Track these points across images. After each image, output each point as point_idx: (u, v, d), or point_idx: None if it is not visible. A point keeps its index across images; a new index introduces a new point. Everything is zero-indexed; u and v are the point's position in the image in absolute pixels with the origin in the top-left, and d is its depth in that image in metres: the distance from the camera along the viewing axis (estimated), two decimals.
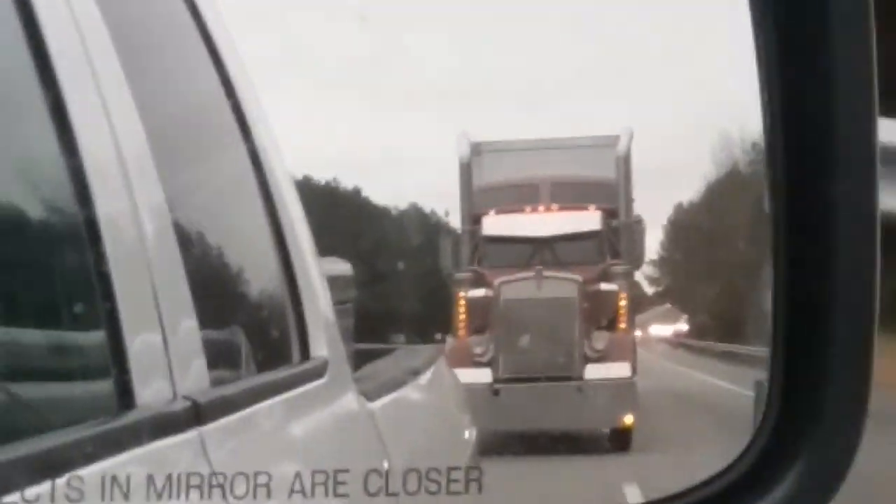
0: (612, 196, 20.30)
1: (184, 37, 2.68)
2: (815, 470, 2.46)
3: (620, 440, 17.78)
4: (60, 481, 1.47)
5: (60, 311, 1.75)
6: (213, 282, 2.48)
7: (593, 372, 18.05)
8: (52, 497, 1.45)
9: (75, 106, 1.77)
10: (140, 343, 1.80)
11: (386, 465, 2.90)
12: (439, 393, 4.82)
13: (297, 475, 2.07)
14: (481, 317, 18.82)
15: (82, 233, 1.76)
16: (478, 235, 20.34)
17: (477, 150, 21.21)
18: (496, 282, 18.78)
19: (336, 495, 2.11)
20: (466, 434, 4.76)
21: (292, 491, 2.04)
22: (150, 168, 2.02)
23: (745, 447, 2.61)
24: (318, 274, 3.19)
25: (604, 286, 19.10)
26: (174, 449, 1.83)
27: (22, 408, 1.60)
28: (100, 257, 1.76)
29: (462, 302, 19.24)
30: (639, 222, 20.70)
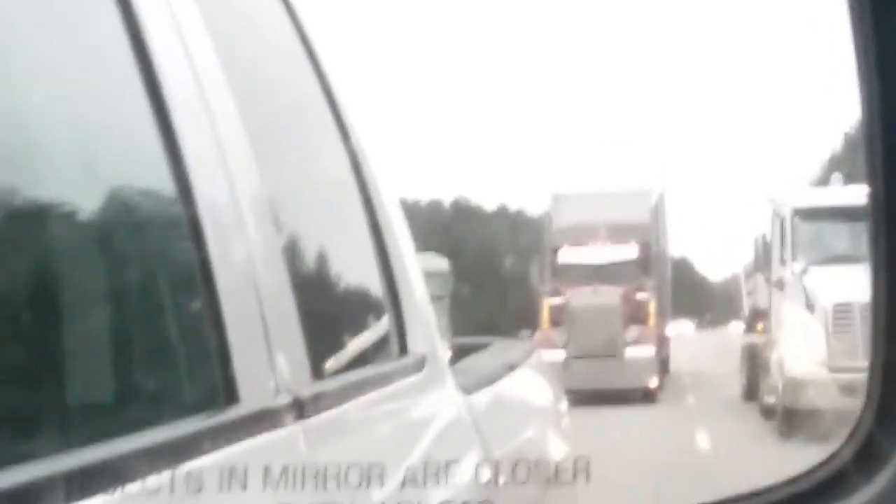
0: (647, 233, 30.56)
1: (281, 38, 2.73)
2: None
3: (648, 397, 26.92)
4: (178, 472, 1.51)
5: (166, 309, 1.78)
6: (314, 279, 2.51)
7: (629, 352, 27.98)
8: (172, 487, 1.50)
9: (177, 104, 1.81)
10: (243, 339, 1.83)
11: (483, 456, 2.93)
12: (537, 382, 4.82)
13: (406, 467, 2.11)
14: (558, 316, 29.01)
15: (186, 232, 1.80)
16: (556, 261, 30.52)
17: (557, 199, 31.55)
18: (567, 293, 29.05)
19: (443, 485, 2.15)
20: (564, 424, 4.76)
21: (403, 482, 2.08)
22: (252, 168, 2.06)
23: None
24: (416, 270, 3.21)
25: (638, 296, 29.22)
26: (277, 442, 1.87)
27: (132, 402, 1.65)
28: (204, 256, 1.80)
29: (546, 306, 29.50)
30: (664, 251, 32.00)
